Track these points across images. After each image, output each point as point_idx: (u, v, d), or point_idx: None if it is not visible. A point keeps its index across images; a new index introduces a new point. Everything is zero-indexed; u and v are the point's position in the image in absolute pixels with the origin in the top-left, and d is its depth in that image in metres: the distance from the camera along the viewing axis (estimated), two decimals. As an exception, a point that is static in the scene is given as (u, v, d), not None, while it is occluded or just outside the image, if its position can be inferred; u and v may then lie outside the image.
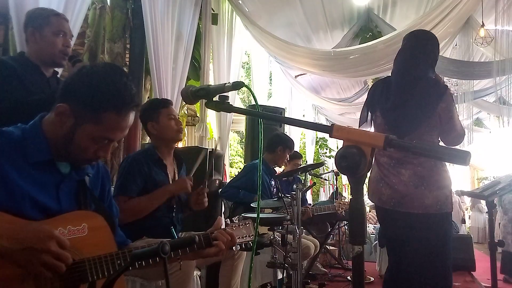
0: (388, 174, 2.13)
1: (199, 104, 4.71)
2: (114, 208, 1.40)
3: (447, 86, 2.13)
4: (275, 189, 3.39)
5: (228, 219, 1.53)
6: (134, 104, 1.17)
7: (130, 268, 1.16)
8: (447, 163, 2.13)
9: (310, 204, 4.82)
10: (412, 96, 2.09)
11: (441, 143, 2.19)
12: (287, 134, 4.17)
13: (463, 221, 10.71)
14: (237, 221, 1.50)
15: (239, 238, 1.45)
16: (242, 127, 6.85)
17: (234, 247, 1.42)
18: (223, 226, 1.46)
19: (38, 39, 1.87)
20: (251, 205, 2.75)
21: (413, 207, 2.04)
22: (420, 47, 2.14)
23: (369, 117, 2.25)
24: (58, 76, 2.02)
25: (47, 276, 0.99)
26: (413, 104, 2.07)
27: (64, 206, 1.16)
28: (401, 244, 2.13)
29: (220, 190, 3.41)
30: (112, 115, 1.12)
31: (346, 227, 5.43)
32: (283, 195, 2.68)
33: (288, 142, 3.50)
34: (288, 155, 3.53)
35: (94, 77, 1.13)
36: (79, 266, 1.09)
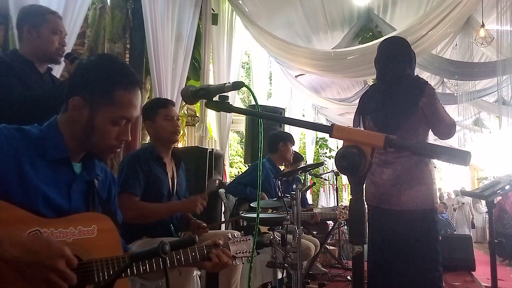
0: (374, 173, 2.26)
1: (199, 104, 4.71)
2: (118, 214, 1.42)
3: (427, 82, 2.23)
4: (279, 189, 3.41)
5: (229, 227, 1.55)
6: (138, 80, 1.24)
7: (135, 271, 1.17)
8: (431, 163, 2.26)
9: (312, 205, 4.82)
10: (395, 95, 2.22)
11: (431, 140, 2.25)
12: (287, 133, 4.18)
13: (473, 226, 10.60)
14: (237, 236, 1.52)
15: (239, 253, 1.48)
16: (242, 127, 6.85)
17: (234, 262, 1.46)
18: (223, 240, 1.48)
19: (35, 37, 1.86)
20: (251, 204, 2.75)
21: (390, 204, 2.16)
22: (393, 50, 2.31)
23: (361, 123, 2.38)
24: (52, 72, 2.03)
25: None
26: (397, 103, 2.20)
27: (74, 206, 1.18)
28: (386, 238, 2.19)
29: (227, 185, 3.42)
30: (123, 93, 1.18)
31: (346, 227, 5.44)
32: (283, 195, 2.68)
33: (286, 136, 3.56)
34: (291, 148, 3.55)
35: (95, 65, 1.20)
36: (86, 266, 1.09)
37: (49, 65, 1.98)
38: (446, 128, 2.21)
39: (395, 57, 2.27)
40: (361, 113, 2.38)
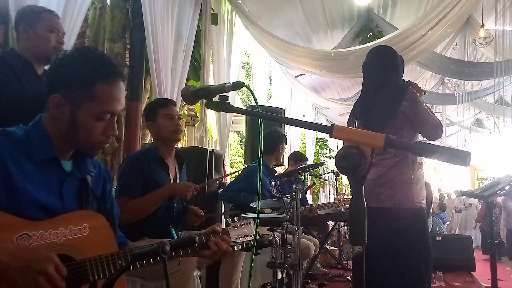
0: None
1: (199, 104, 4.71)
2: (115, 209, 1.40)
3: (408, 86, 2.33)
4: (275, 189, 3.39)
5: (229, 218, 1.51)
6: (118, 71, 1.18)
7: (131, 268, 1.16)
8: (416, 165, 2.31)
9: (312, 205, 4.81)
10: (376, 101, 2.34)
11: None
12: (287, 134, 4.18)
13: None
14: (238, 221, 1.49)
15: (240, 237, 1.44)
16: (242, 127, 6.84)
17: (235, 247, 1.42)
18: (223, 226, 1.45)
19: (32, 35, 1.85)
20: (251, 205, 2.75)
21: (371, 201, 2.25)
22: (378, 58, 2.45)
23: (354, 124, 2.52)
24: None
25: None
26: (379, 107, 2.32)
27: (67, 205, 1.16)
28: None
29: (220, 191, 3.40)
30: (103, 86, 1.13)
31: (346, 228, 5.44)
32: (283, 195, 2.68)
33: (283, 136, 3.60)
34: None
35: (71, 60, 1.15)
36: (80, 266, 1.08)
37: (45, 68, 1.95)
38: (431, 130, 2.28)
39: (379, 66, 2.41)
40: (353, 119, 2.53)
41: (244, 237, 1.45)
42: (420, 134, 2.35)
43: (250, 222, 1.49)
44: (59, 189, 1.16)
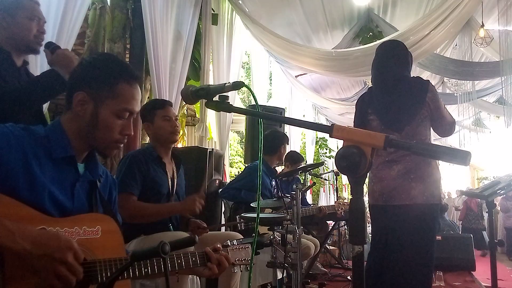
0: (380, 171, 2.28)
1: (199, 105, 4.71)
2: (118, 216, 1.42)
3: (428, 80, 2.33)
4: (275, 189, 3.39)
5: (229, 241, 1.54)
6: (138, 76, 1.30)
7: (137, 273, 1.18)
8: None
9: (313, 205, 4.81)
10: (399, 93, 2.29)
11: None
12: (287, 134, 4.16)
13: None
14: (236, 244, 1.52)
15: (237, 260, 1.48)
16: (242, 127, 6.84)
17: (232, 269, 1.47)
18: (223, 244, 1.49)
19: (11, 24, 1.74)
20: (251, 205, 2.75)
21: (400, 199, 2.19)
22: (390, 53, 2.39)
23: (362, 123, 2.41)
24: (29, 66, 1.92)
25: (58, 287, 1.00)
26: (404, 100, 2.27)
27: (77, 205, 1.20)
28: (390, 238, 2.23)
29: (220, 190, 3.40)
30: (125, 86, 1.23)
31: (346, 227, 5.44)
32: (282, 195, 2.68)
33: (285, 138, 3.58)
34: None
35: (97, 61, 1.26)
36: (90, 266, 1.10)
37: (25, 59, 1.86)
38: (448, 125, 2.30)
39: (393, 60, 2.35)
40: (363, 115, 2.42)
41: (241, 260, 1.49)
42: (434, 129, 2.34)
43: (248, 247, 1.53)
44: (72, 188, 1.20)
